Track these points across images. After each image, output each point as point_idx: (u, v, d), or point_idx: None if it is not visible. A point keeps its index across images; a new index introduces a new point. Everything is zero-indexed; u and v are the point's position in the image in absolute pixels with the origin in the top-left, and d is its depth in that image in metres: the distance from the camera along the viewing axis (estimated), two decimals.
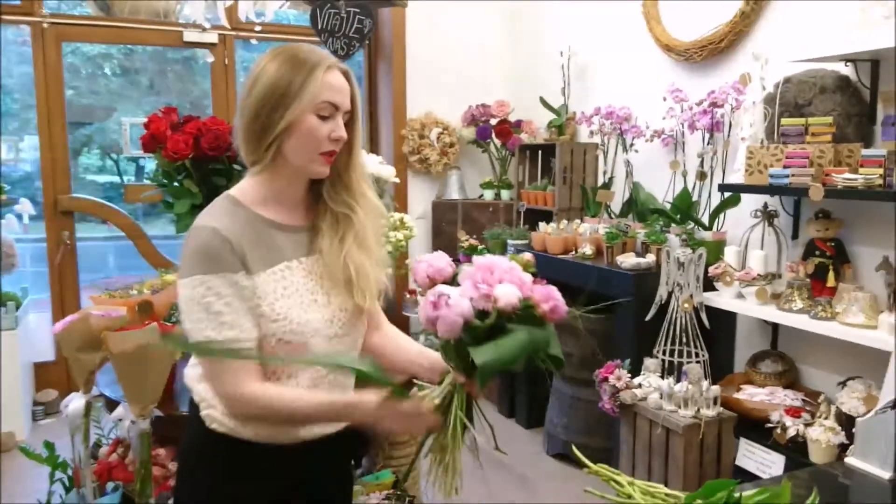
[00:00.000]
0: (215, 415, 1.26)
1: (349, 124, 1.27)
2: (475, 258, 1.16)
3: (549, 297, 1.12)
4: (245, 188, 1.28)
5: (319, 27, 3.63)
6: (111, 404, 2.10)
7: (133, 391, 1.80)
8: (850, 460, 1.27)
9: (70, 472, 2.42)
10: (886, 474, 1.20)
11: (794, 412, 2.46)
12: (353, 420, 1.26)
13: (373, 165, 2.35)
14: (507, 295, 1.08)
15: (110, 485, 2.26)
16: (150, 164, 9.26)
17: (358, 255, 1.29)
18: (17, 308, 3.56)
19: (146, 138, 2.05)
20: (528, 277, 1.14)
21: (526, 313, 1.10)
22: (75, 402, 1.93)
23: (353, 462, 1.50)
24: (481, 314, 1.08)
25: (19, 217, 3.79)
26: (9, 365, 3.48)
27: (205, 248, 1.17)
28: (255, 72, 1.23)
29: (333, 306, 1.28)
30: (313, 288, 1.27)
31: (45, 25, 3.90)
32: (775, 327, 2.84)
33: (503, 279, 1.10)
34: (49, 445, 2.41)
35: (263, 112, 1.20)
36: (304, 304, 1.24)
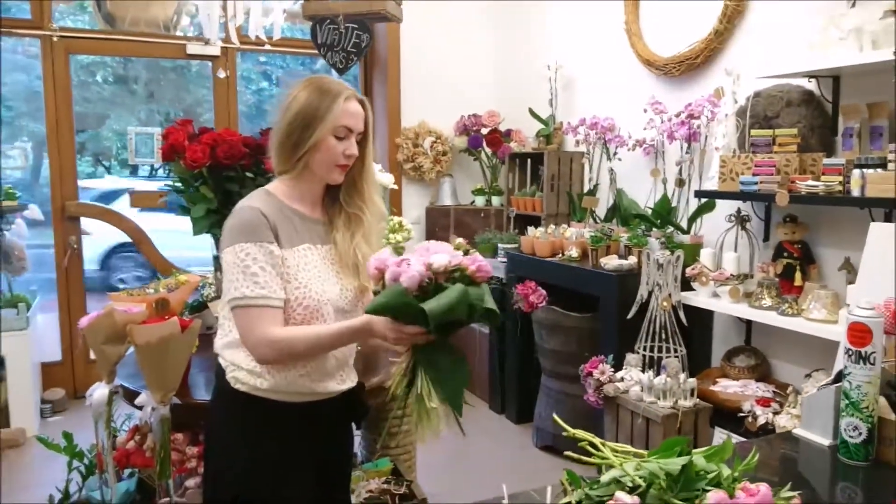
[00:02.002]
0: (239, 375, 1.50)
1: (362, 142, 1.56)
2: (419, 244, 1.43)
3: (475, 261, 1.38)
4: (277, 186, 1.55)
5: (319, 42, 3.81)
6: (129, 395, 2.25)
7: (155, 379, 1.95)
8: (797, 431, 1.45)
9: (87, 461, 2.57)
10: (826, 441, 1.38)
11: (764, 402, 2.64)
12: (360, 337, 1.49)
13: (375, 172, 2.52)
14: (438, 259, 1.35)
15: (127, 471, 2.41)
16: (143, 172, 9.38)
17: (364, 247, 1.57)
18: (28, 310, 3.69)
19: (165, 148, 2.22)
20: (460, 253, 1.40)
21: (460, 277, 1.37)
22: (100, 391, 2.07)
23: (354, 425, 1.73)
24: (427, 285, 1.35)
25: (29, 222, 3.92)
26: (20, 364, 3.61)
27: (247, 222, 1.44)
28: (289, 98, 1.51)
29: (343, 284, 1.55)
30: (328, 268, 1.54)
31: (54, 39, 4.05)
32: (749, 324, 3.03)
33: (438, 251, 1.38)
34: (68, 436, 2.56)
35: (295, 132, 1.48)
36: (321, 279, 1.51)
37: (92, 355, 2.16)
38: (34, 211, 3.90)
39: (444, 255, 1.36)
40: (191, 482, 2.13)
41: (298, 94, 1.49)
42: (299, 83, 1.53)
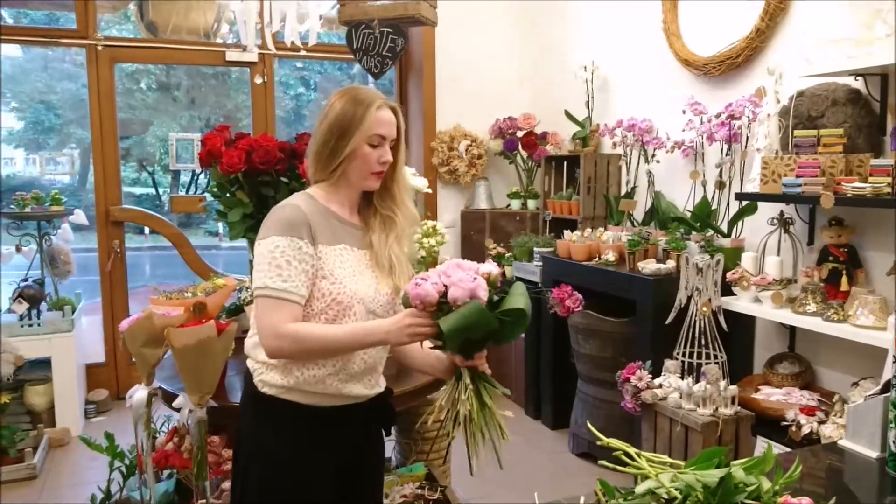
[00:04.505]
0: (267, 378, 1.52)
1: (395, 149, 1.60)
2: (450, 261, 1.45)
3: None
4: (317, 191, 1.59)
5: (354, 46, 3.84)
6: (168, 397, 2.29)
7: (192, 382, 1.98)
8: (842, 442, 1.40)
9: (127, 461, 2.63)
10: (874, 453, 1.33)
11: (808, 411, 2.57)
12: (373, 339, 1.47)
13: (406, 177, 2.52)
14: (454, 294, 1.34)
15: (166, 472, 2.45)
16: (185, 177, 9.58)
17: (396, 248, 1.61)
18: (73, 312, 3.79)
19: (203, 154, 2.25)
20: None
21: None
22: (139, 394, 2.10)
23: (384, 431, 1.71)
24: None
25: (75, 227, 4.02)
26: (65, 366, 3.71)
27: (284, 217, 1.47)
28: (326, 108, 1.56)
29: (378, 286, 1.57)
30: (364, 269, 1.57)
31: (99, 48, 4.16)
32: (793, 330, 2.95)
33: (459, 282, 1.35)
34: (109, 436, 2.62)
35: (331, 141, 1.53)
36: (356, 278, 1.53)
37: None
38: (79, 216, 3.99)
39: (462, 290, 1.34)
40: (227, 484, 2.15)
41: (334, 104, 1.54)
42: (335, 94, 1.57)
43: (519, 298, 1.38)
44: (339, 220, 1.57)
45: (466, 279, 1.34)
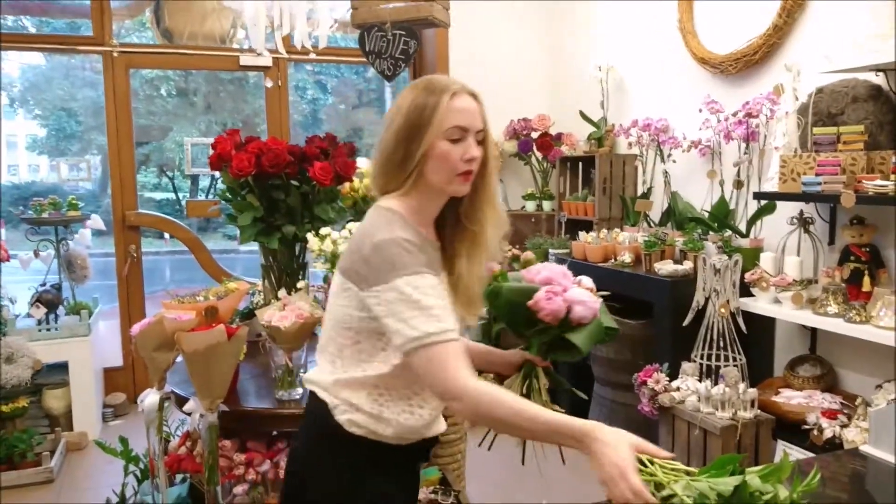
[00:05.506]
0: (358, 419, 1.30)
1: (482, 142, 1.32)
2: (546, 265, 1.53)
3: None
4: (400, 207, 1.31)
5: (367, 49, 3.82)
6: (181, 401, 2.29)
7: (203, 387, 1.97)
8: (864, 448, 1.36)
9: (142, 465, 2.63)
10: None
11: (830, 414, 2.51)
12: (573, 440, 1.13)
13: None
14: (579, 313, 1.46)
15: (179, 476, 2.45)
16: (205, 182, 9.67)
17: (482, 277, 1.38)
18: (90, 316, 3.81)
19: (213, 158, 2.25)
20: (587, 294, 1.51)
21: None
22: (151, 398, 2.10)
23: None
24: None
25: (94, 233, 4.06)
26: (83, 369, 3.74)
27: (401, 255, 1.21)
28: (394, 109, 1.31)
29: (456, 316, 1.33)
30: (448, 299, 1.32)
31: (114, 54, 4.19)
32: (814, 332, 2.89)
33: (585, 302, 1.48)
34: (124, 440, 2.63)
35: (402, 143, 1.27)
36: (450, 313, 1.27)
37: None
38: (96, 221, 4.02)
39: (587, 310, 1.46)
40: (239, 489, 2.14)
41: (403, 99, 1.30)
42: (408, 87, 1.33)
43: (608, 317, 1.54)
44: (428, 241, 1.32)
45: (590, 300, 1.46)
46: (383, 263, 1.21)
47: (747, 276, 2.81)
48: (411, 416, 1.33)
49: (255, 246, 2.46)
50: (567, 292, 1.46)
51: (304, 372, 2.20)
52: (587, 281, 1.54)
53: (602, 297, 1.55)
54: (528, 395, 1.48)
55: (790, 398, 2.72)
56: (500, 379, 1.60)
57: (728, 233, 3.13)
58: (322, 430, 1.35)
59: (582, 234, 3.70)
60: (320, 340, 1.40)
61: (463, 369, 1.19)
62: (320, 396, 1.35)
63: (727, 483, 0.95)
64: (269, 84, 3.87)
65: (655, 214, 3.79)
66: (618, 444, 1.08)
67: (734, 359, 2.65)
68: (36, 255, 3.87)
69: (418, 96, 1.28)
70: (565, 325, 1.46)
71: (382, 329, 1.24)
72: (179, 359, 2.04)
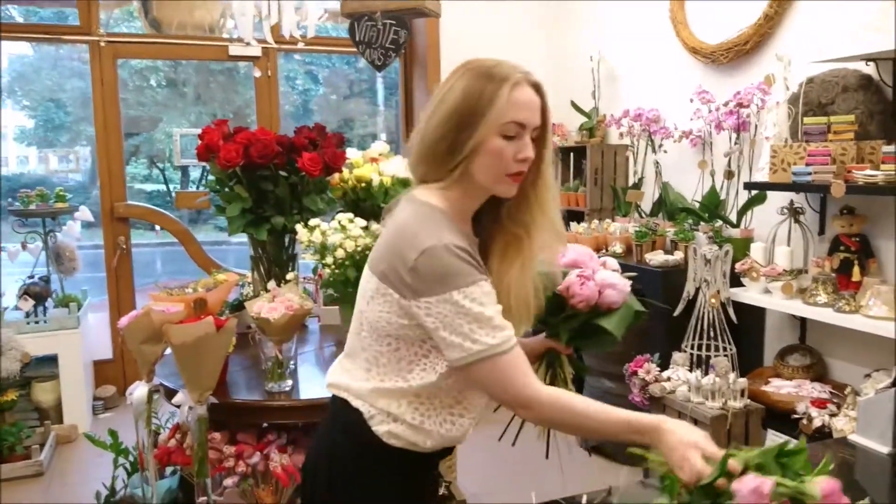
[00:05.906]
0: (397, 430, 1.21)
1: (539, 140, 1.20)
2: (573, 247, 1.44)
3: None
4: (441, 203, 1.20)
5: (357, 39, 3.79)
6: (170, 393, 2.27)
7: (191, 379, 1.96)
8: (853, 437, 1.36)
9: (132, 458, 2.62)
10: (885, 449, 1.29)
11: (819, 403, 2.52)
12: (634, 438, 1.12)
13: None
14: (610, 297, 1.39)
15: (169, 469, 2.44)
16: (195, 173, 9.62)
17: (518, 282, 1.22)
18: (79, 309, 3.79)
19: (201, 148, 2.23)
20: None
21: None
22: (139, 390, 2.09)
23: None
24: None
25: (83, 224, 4.02)
26: (72, 362, 3.71)
27: (453, 264, 1.11)
28: (443, 90, 1.19)
29: None
30: None
31: (101, 44, 4.14)
32: (804, 322, 2.90)
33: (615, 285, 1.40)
34: (113, 433, 2.61)
35: (450, 133, 1.15)
36: None
37: None
38: (84, 212, 3.98)
39: (616, 294, 1.39)
40: (229, 481, 2.13)
41: (455, 83, 1.18)
42: (457, 70, 1.22)
43: (634, 300, 1.46)
44: (472, 240, 1.21)
45: (620, 283, 1.38)
46: (434, 274, 1.10)
47: (738, 266, 2.82)
48: (452, 427, 1.24)
49: (246, 237, 2.44)
50: (596, 275, 1.37)
51: (294, 364, 2.19)
52: (612, 262, 1.42)
53: (629, 278, 1.44)
54: (552, 385, 1.43)
55: (780, 387, 2.73)
56: None
57: (719, 223, 3.13)
58: (357, 438, 1.24)
59: (573, 225, 3.69)
60: (349, 342, 1.30)
61: (530, 376, 1.14)
62: (353, 405, 1.25)
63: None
64: (258, 74, 3.84)
65: (646, 205, 3.78)
66: (681, 428, 1.08)
67: (724, 349, 2.66)
68: (24, 247, 3.83)
69: (474, 81, 1.16)
70: (595, 311, 1.38)
71: (425, 337, 1.17)
72: (168, 351, 2.03)
